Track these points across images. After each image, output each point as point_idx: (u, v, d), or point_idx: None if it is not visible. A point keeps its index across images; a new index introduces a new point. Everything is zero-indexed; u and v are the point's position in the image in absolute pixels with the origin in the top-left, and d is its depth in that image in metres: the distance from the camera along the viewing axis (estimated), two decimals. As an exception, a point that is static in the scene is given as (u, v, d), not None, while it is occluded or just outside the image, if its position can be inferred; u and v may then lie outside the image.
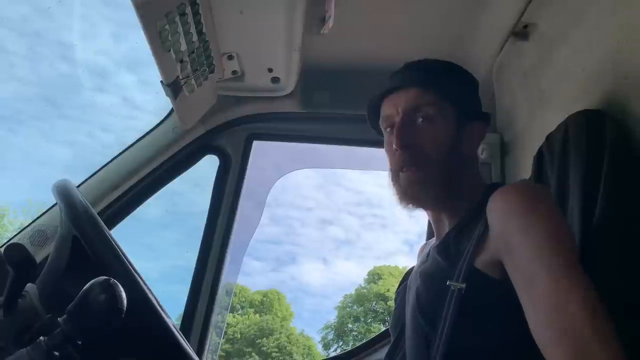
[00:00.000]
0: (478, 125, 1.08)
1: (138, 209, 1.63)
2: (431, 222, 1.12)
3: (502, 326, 0.87)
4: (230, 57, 1.53)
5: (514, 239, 0.84)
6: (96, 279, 0.67)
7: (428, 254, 1.08)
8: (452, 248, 0.97)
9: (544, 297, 0.78)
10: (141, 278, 0.88)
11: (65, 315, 0.66)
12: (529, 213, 0.85)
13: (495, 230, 0.89)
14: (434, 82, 1.06)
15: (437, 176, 1.01)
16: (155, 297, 0.90)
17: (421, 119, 1.03)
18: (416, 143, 1.02)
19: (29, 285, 0.83)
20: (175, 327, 0.98)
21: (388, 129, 1.08)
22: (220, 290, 1.66)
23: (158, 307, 0.84)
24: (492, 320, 0.87)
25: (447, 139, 1.03)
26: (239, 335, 27.26)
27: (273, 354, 26.68)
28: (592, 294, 0.76)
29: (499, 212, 0.89)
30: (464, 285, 0.88)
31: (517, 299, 0.82)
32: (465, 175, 1.05)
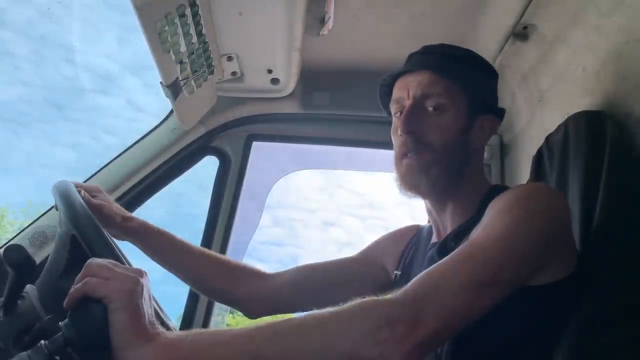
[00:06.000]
0: (490, 118, 1.05)
1: (139, 210, 1.63)
2: (432, 218, 1.09)
3: (504, 326, 0.86)
4: (229, 58, 1.53)
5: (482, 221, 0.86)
6: None
7: (426, 256, 1.07)
8: (450, 250, 0.96)
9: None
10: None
11: (66, 320, 0.65)
12: (510, 207, 0.85)
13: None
14: (447, 68, 1.02)
15: (437, 163, 0.99)
16: (154, 298, 0.90)
17: (431, 107, 1.00)
18: (422, 130, 0.99)
19: (28, 286, 0.83)
20: (174, 328, 0.98)
21: (397, 113, 1.05)
22: (220, 291, 1.66)
23: (157, 308, 0.84)
24: (494, 320, 0.87)
25: (454, 129, 1.00)
26: (240, 337, 27.14)
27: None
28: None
29: (491, 206, 0.89)
30: None
31: (519, 298, 0.82)
32: (469, 168, 1.02)
